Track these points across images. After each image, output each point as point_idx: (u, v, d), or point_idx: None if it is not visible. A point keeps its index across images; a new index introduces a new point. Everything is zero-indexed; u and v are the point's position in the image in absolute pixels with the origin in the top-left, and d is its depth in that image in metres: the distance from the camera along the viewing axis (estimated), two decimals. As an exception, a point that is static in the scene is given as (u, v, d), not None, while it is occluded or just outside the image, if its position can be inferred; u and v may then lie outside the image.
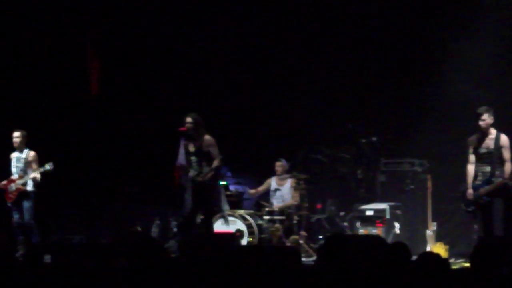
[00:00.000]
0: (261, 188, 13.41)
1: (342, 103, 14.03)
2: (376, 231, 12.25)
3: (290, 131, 14.25)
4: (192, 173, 11.02)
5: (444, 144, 11.95)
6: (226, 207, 12.59)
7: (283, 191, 13.15)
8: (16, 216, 11.88)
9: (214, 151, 11.07)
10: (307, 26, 14.27)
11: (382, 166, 13.32)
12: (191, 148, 11.08)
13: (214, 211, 11.79)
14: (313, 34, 14.24)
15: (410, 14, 13.45)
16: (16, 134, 12.00)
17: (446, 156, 11.50)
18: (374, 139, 13.50)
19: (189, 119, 11.02)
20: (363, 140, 13.56)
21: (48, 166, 11.76)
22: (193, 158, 11.06)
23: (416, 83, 13.49)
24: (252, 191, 13.41)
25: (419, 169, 12.93)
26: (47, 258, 7.65)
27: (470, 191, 10.42)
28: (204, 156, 11.01)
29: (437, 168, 12.59)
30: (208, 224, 11.27)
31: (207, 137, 11.05)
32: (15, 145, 11.99)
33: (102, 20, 15.17)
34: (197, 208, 11.18)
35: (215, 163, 11.05)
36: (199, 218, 11.57)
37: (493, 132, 10.32)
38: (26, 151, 12.01)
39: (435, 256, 6.08)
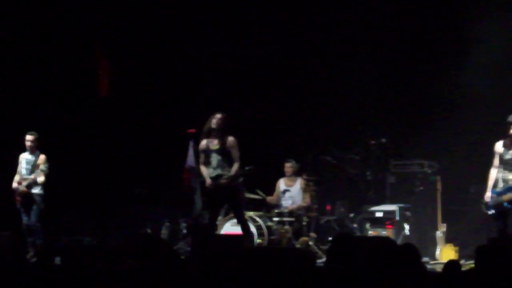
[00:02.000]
0: (276, 194, 13.35)
1: (351, 105, 14.01)
2: (386, 232, 12.24)
3: (300, 132, 14.25)
4: (211, 172, 10.95)
5: (454, 145, 11.95)
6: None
7: (292, 192, 13.13)
8: (25, 218, 11.90)
9: (236, 153, 11.02)
10: (318, 28, 14.27)
11: (392, 167, 13.31)
12: (213, 146, 11.00)
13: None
14: (324, 35, 14.25)
15: (421, 15, 13.45)
16: (29, 137, 11.99)
17: (456, 158, 11.51)
18: (383, 140, 13.48)
19: (219, 115, 10.96)
20: (373, 142, 13.54)
21: (43, 167, 11.78)
22: (214, 156, 10.98)
23: (426, 84, 13.49)
24: (270, 198, 13.32)
25: (429, 171, 12.91)
26: (57, 259, 7.67)
27: (488, 194, 10.41)
28: (226, 156, 10.96)
29: (447, 169, 12.57)
30: (242, 222, 11.19)
31: (230, 137, 11.01)
32: (27, 147, 11.99)
33: (111, 21, 15.18)
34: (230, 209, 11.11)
35: (236, 166, 11.01)
36: (207, 218, 11.55)
37: None
38: (37, 153, 12.01)
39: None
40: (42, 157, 11.98)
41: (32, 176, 11.81)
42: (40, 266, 7.07)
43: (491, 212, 10.41)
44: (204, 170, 11.09)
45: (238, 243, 10.40)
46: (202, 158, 11.09)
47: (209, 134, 10.95)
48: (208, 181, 10.97)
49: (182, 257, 10.07)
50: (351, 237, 7.22)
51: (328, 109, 14.19)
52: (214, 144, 10.95)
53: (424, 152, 13.13)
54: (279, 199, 13.22)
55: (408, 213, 12.59)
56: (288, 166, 13.23)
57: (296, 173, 13.25)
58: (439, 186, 12.25)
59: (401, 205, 12.63)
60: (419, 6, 13.60)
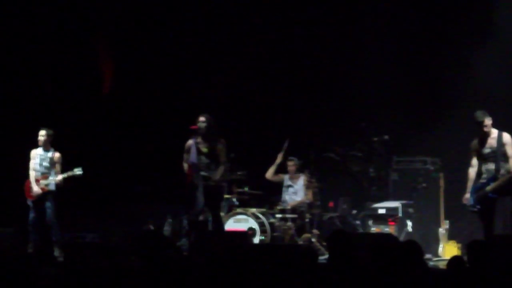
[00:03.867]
0: (276, 175, 13.37)
1: (354, 102, 14.03)
2: (389, 229, 12.23)
3: (303, 129, 14.24)
4: (203, 173, 11.06)
5: (456, 142, 11.92)
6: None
7: (296, 187, 13.14)
8: (32, 215, 11.87)
9: (223, 156, 11.10)
10: (319, 25, 14.26)
11: (395, 164, 13.31)
12: (203, 149, 11.09)
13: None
14: (326, 32, 14.24)
15: (425, 14, 13.46)
16: (43, 132, 11.94)
17: (459, 155, 11.48)
18: (386, 137, 13.47)
19: (202, 118, 11.02)
20: (375, 139, 13.53)
21: (77, 171, 11.79)
22: (203, 158, 11.07)
23: (428, 82, 13.49)
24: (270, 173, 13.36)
25: (432, 167, 12.91)
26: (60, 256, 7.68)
27: (467, 195, 10.53)
28: (214, 159, 11.03)
29: (449, 166, 12.57)
30: (218, 222, 11.29)
31: (220, 140, 11.07)
32: (41, 143, 11.93)
33: (114, 17, 15.19)
34: (207, 208, 11.23)
35: (222, 169, 11.07)
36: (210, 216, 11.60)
37: (494, 131, 10.44)
38: (52, 150, 11.98)
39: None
40: (57, 155, 11.94)
41: (58, 178, 11.78)
42: (41, 262, 7.07)
43: (476, 208, 10.46)
44: (186, 167, 11.17)
45: (240, 239, 10.42)
46: (186, 156, 11.15)
47: (201, 137, 11.02)
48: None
49: (185, 253, 10.09)
50: (346, 234, 7.23)
51: (331, 106, 14.20)
52: (203, 147, 11.01)
53: (427, 149, 13.13)
54: (282, 192, 13.22)
55: (410, 210, 12.59)
56: (291, 164, 13.22)
57: (299, 170, 13.25)
58: (442, 183, 12.25)
59: (404, 202, 12.63)
60: (422, 2, 13.63)
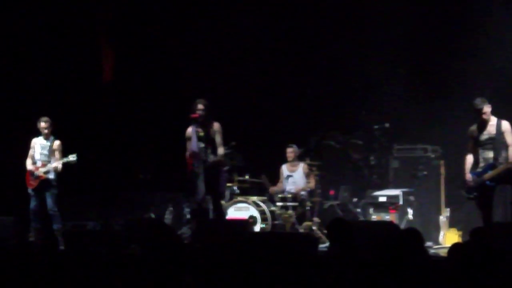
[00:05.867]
0: (280, 181, 13.33)
1: (355, 89, 14.03)
2: (389, 217, 12.25)
3: (303, 117, 14.24)
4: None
5: (457, 130, 11.91)
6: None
7: (295, 177, 13.11)
8: (33, 204, 11.89)
9: (219, 139, 11.05)
10: (318, 13, 14.25)
11: (395, 152, 13.31)
12: (200, 134, 11.07)
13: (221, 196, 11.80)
14: (326, 20, 14.23)
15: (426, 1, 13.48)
16: (43, 120, 11.97)
17: (460, 142, 11.48)
18: (386, 125, 13.48)
19: (200, 106, 10.99)
20: (376, 126, 13.55)
21: (71, 157, 11.76)
22: (199, 144, 11.04)
23: (429, 68, 13.49)
24: (272, 188, 13.29)
25: (432, 155, 12.92)
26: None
27: (468, 175, 10.49)
28: (210, 143, 11.00)
29: (450, 154, 12.55)
30: (218, 208, 11.27)
31: (215, 124, 11.03)
32: (42, 131, 11.95)
33: (115, 6, 15.18)
34: (208, 196, 11.21)
35: (221, 150, 11.05)
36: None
37: (493, 119, 10.41)
38: (52, 139, 11.99)
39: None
40: (57, 142, 11.96)
41: (54, 165, 11.78)
42: (45, 251, 7.08)
43: (473, 195, 10.46)
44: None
45: (242, 227, 10.42)
46: (189, 144, 11.14)
47: (199, 122, 10.99)
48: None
49: (186, 241, 10.11)
50: (346, 222, 7.25)
51: (331, 94, 14.19)
52: (200, 131, 10.99)
53: (428, 137, 13.13)
54: (283, 185, 13.20)
55: (411, 198, 12.59)
56: (290, 151, 13.18)
57: (298, 158, 13.23)
58: (442, 170, 12.25)
59: (405, 189, 12.63)
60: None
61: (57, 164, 11.77)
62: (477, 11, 12.90)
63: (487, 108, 10.33)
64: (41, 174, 11.80)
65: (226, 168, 11.63)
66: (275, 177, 13.34)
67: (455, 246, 6.02)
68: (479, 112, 10.33)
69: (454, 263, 5.80)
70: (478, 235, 6.55)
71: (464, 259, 5.69)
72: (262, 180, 13.30)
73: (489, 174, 10.30)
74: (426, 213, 12.58)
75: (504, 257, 6.19)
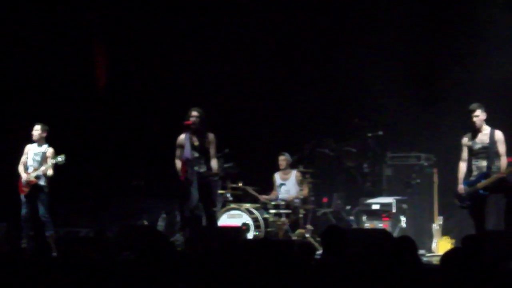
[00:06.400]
0: (275, 192, 13.32)
1: (349, 97, 14.04)
2: (382, 225, 12.25)
3: (297, 125, 14.24)
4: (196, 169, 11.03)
5: (450, 138, 11.93)
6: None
7: (288, 185, 13.12)
8: (25, 210, 11.84)
9: (213, 150, 11.07)
10: (313, 19, 14.26)
11: (388, 160, 13.32)
12: (194, 143, 11.08)
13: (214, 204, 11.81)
14: (320, 26, 14.24)
15: (420, 10, 13.49)
16: (37, 127, 11.94)
17: (453, 151, 11.50)
18: (380, 133, 13.50)
19: (195, 113, 10.99)
20: (370, 134, 13.56)
21: (60, 158, 11.72)
22: (193, 153, 11.03)
23: (423, 77, 13.50)
24: (265, 197, 13.28)
25: (426, 163, 12.93)
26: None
27: (461, 186, 10.53)
28: (204, 153, 11.00)
29: (443, 162, 12.57)
30: (211, 216, 11.28)
31: (210, 134, 11.04)
32: (35, 137, 11.92)
33: (109, 13, 15.17)
34: (201, 203, 11.21)
35: (214, 162, 11.05)
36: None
37: (486, 128, 10.44)
38: (45, 146, 11.95)
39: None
40: (50, 150, 11.91)
41: (43, 168, 11.75)
42: (37, 258, 7.06)
43: (465, 204, 10.48)
44: (179, 163, 11.12)
45: (235, 235, 10.41)
46: (178, 153, 11.11)
47: (193, 131, 10.97)
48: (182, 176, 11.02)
49: (179, 249, 10.09)
50: (339, 230, 7.25)
51: (325, 102, 14.19)
52: (195, 141, 10.98)
53: (421, 145, 13.15)
54: (277, 193, 13.20)
55: (404, 206, 12.59)
56: (282, 159, 13.20)
57: (291, 166, 13.24)
58: (435, 178, 12.26)
59: (398, 197, 12.64)
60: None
61: (44, 167, 11.72)
62: (471, 19, 12.93)
63: (479, 113, 10.34)
64: (32, 178, 11.75)
65: (217, 178, 11.64)
66: (268, 185, 13.34)
67: (447, 254, 6.02)
68: (470, 113, 10.35)
69: (446, 271, 5.80)
70: (469, 242, 6.55)
71: (457, 267, 5.68)
72: (250, 191, 13.28)
73: (482, 183, 10.33)
74: (419, 221, 12.58)
75: (496, 265, 6.20)
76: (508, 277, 6.05)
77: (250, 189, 13.26)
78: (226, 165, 12.99)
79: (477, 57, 12.74)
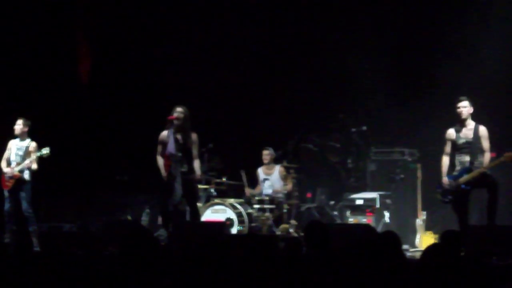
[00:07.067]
0: (259, 186, 13.33)
1: (332, 92, 14.06)
2: (366, 220, 12.28)
3: (281, 119, 14.25)
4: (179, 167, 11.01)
5: (434, 133, 11.97)
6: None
7: (272, 180, 13.14)
8: (8, 205, 11.79)
9: (195, 150, 11.06)
10: (298, 16, 14.27)
11: (372, 155, 13.35)
12: (180, 141, 11.04)
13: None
14: (305, 22, 14.26)
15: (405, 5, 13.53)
16: (19, 122, 11.91)
17: (437, 146, 11.54)
18: (364, 128, 13.52)
19: (180, 109, 10.97)
20: (354, 129, 13.58)
21: (44, 151, 11.68)
22: (177, 153, 11.00)
23: (407, 72, 13.53)
24: (250, 190, 13.28)
25: (409, 159, 12.97)
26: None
27: (445, 178, 10.56)
28: (186, 153, 10.97)
29: (427, 157, 12.60)
30: (196, 213, 11.29)
31: (193, 134, 11.01)
32: (17, 132, 11.89)
33: (92, 6, 15.12)
34: (184, 198, 11.21)
35: (196, 163, 11.04)
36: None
37: (471, 123, 10.50)
38: (28, 140, 11.92)
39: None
40: (33, 144, 11.88)
41: (27, 162, 11.71)
42: (18, 253, 7.04)
43: (448, 199, 10.52)
44: (160, 160, 11.10)
45: (219, 230, 10.41)
46: (160, 149, 11.08)
47: (176, 128, 10.94)
48: (164, 174, 11.00)
49: (163, 244, 10.08)
50: (323, 225, 7.26)
51: (309, 97, 14.21)
52: (179, 139, 10.95)
53: (405, 140, 13.18)
54: (261, 188, 13.22)
55: (388, 201, 12.63)
56: (266, 154, 13.22)
57: (274, 161, 13.25)
58: (419, 174, 12.30)
59: (382, 192, 12.68)
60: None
61: (28, 161, 11.68)
62: (456, 15, 12.97)
63: (465, 104, 10.41)
64: (16, 173, 11.71)
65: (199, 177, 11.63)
66: (252, 180, 13.34)
67: (427, 250, 6.05)
68: (457, 103, 10.41)
69: (427, 266, 5.82)
70: (449, 237, 6.57)
71: (437, 262, 5.71)
72: (242, 176, 13.25)
73: (464, 177, 10.38)
74: (402, 216, 12.62)
75: (478, 260, 6.22)
76: (489, 271, 6.08)
77: (243, 176, 13.22)
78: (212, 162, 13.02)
79: (463, 54, 12.80)
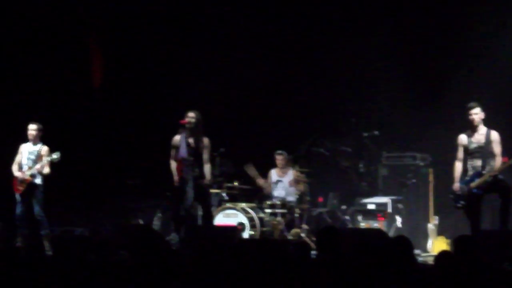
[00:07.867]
0: (265, 181, 13.33)
1: (345, 97, 14.05)
2: (378, 224, 12.25)
3: (293, 124, 14.24)
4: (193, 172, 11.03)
5: (446, 138, 11.94)
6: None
7: (285, 182, 13.13)
8: (20, 209, 11.80)
9: (207, 155, 11.09)
10: (311, 19, 14.26)
11: (384, 159, 13.33)
12: (192, 145, 11.07)
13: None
14: (317, 26, 14.24)
15: (419, 10, 13.49)
16: (32, 126, 11.91)
17: (449, 150, 11.51)
18: (376, 132, 13.50)
19: (192, 114, 11.00)
20: (366, 134, 13.56)
21: (55, 156, 11.71)
22: (189, 157, 11.03)
23: (419, 77, 13.51)
24: (264, 182, 13.28)
25: (421, 163, 12.94)
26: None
27: (457, 185, 10.54)
28: (198, 157, 11.00)
29: (439, 162, 12.58)
30: (209, 217, 11.30)
31: (205, 139, 11.05)
32: (30, 137, 11.91)
33: (105, 11, 15.16)
34: (197, 202, 11.23)
35: (207, 168, 11.07)
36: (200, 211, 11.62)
37: (483, 128, 10.48)
38: (39, 145, 11.93)
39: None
40: (45, 148, 11.90)
41: (38, 166, 11.73)
42: (31, 256, 7.06)
43: (460, 204, 10.49)
44: (174, 164, 11.13)
45: (231, 234, 10.40)
46: (173, 153, 11.12)
47: (188, 133, 10.97)
48: (176, 178, 11.05)
49: (174, 248, 10.08)
50: (335, 229, 7.25)
51: (321, 102, 14.19)
52: (191, 144, 10.98)
53: (417, 144, 13.16)
54: (271, 189, 13.20)
55: (400, 206, 12.61)
56: (280, 159, 13.20)
57: (288, 165, 13.24)
58: (431, 178, 12.26)
59: (393, 197, 12.65)
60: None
61: (39, 165, 11.69)
62: (468, 19, 12.93)
63: (477, 110, 10.39)
64: (27, 177, 11.73)
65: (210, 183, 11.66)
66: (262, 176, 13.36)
67: (441, 255, 6.04)
68: (469, 110, 10.38)
69: (440, 271, 5.81)
70: (462, 243, 6.55)
71: (450, 267, 5.70)
72: (248, 171, 13.26)
73: (476, 182, 10.35)
74: (414, 221, 12.59)
75: (490, 265, 6.20)
76: (502, 276, 6.05)
77: (251, 169, 13.21)
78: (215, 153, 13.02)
79: (475, 58, 12.77)
